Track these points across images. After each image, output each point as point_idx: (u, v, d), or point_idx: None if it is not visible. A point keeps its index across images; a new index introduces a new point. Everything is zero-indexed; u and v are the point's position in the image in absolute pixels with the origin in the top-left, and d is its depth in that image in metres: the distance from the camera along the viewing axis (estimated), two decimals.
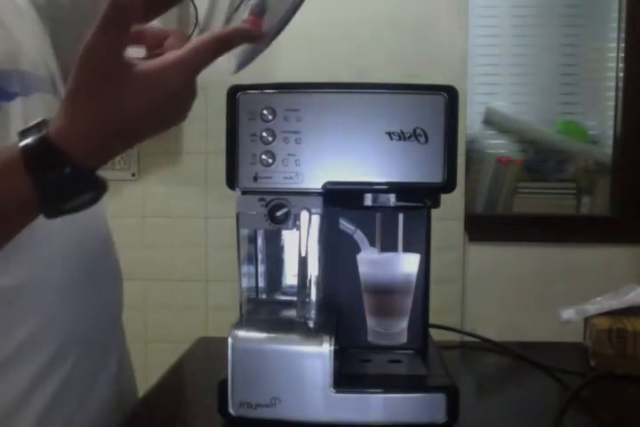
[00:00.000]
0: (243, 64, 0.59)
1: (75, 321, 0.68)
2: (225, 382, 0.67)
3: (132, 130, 0.51)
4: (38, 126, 0.50)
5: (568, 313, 0.95)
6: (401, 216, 0.76)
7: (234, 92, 0.70)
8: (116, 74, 0.48)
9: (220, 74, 0.58)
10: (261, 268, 0.76)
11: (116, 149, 0.53)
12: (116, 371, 0.77)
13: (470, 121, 1.99)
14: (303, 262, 0.68)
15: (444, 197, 0.72)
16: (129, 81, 0.49)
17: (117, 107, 0.49)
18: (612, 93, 2.02)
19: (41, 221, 0.52)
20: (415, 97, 0.69)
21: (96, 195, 0.52)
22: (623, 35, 1.98)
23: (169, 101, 0.51)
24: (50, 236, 0.65)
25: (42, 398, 0.64)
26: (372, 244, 0.77)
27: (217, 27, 0.59)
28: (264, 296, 0.77)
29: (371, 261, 0.76)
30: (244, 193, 0.70)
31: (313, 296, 0.69)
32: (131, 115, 0.49)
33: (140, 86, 0.49)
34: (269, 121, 0.68)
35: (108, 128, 0.49)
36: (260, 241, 0.76)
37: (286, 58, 1.85)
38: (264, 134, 0.68)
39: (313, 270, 0.68)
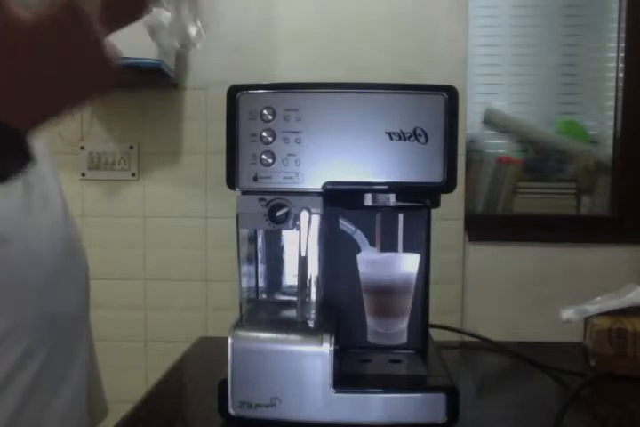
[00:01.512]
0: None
1: (44, 320, 0.68)
2: (225, 382, 0.67)
3: (40, 76, 0.49)
4: None
5: (568, 313, 0.95)
6: (401, 216, 0.76)
7: (234, 92, 0.70)
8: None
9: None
10: (261, 268, 0.76)
11: (40, 105, 0.51)
12: (85, 371, 0.77)
13: (470, 121, 1.99)
14: (303, 262, 0.68)
15: (443, 197, 0.72)
16: (10, 27, 0.47)
17: (13, 57, 0.48)
18: (612, 93, 2.03)
19: (14, 223, 0.52)
20: (415, 97, 0.69)
21: (22, 162, 0.51)
22: (623, 35, 1.98)
23: (56, 38, 0.49)
24: (21, 237, 0.65)
25: (11, 398, 0.64)
26: (372, 244, 0.77)
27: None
28: (264, 296, 0.77)
29: (371, 261, 0.77)
30: (244, 193, 0.70)
31: (313, 296, 0.69)
32: (25, 59, 0.48)
33: (23, 28, 0.48)
34: (269, 121, 0.68)
35: (15, 78, 0.48)
36: (260, 241, 0.76)
37: (286, 58, 1.85)
38: (264, 134, 0.68)
39: (313, 270, 0.68)
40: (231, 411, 0.67)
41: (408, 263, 0.76)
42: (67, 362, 0.73)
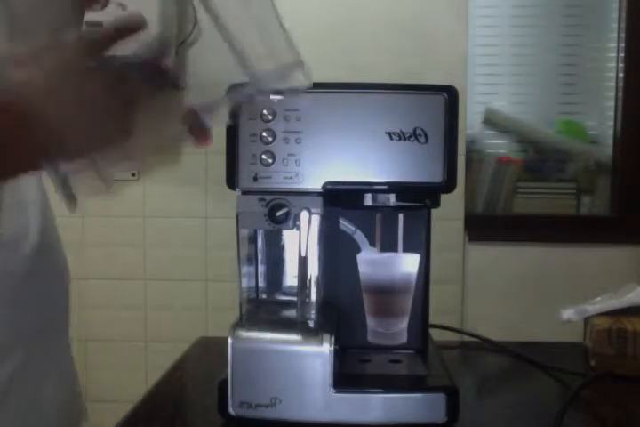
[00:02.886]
0: None
1: (21, 320, 0.67)
2: (225, 382, 0.67)
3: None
4: None
5: (568, 313, 0.95)
6: (401, 216, 0.76)
7: None
8: None
9: None
10: (261, 268, 0.76)
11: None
12: (70, 372, 0.76)
13: (470, 121, 1.99)
14: (303, 262, 0.68)
15: (443, 197, 0.72)
16: None
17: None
18: (612, 93, 2.03)
19: None
20: (415, 97, 0.69)
21: None
22: (623, 35, 1.98)
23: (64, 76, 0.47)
24: None
25: None
26: (372, 244, 0.77)
27: None
28: (264, 296, 0.77)
29: (371, 261, 0.76)
30: (244, 193, 0.70)
31: (313, 296, 0.69)
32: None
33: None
34: (269, 121, 0.68)
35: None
36: (260, 241, 0.76)
37: None
38: (264, 134, 0.68)
39: (313, 270, 0.68)
40: (231, 411, 0.67)
41: (408, 263, 0.76)
42: (48, 362, 0.72)
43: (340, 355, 0.69)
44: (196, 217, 1.91)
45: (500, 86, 2.06)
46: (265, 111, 0.68)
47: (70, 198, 0.52)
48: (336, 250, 0.77)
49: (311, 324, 0.69)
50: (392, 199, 0.71)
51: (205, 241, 1.91)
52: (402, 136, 0.68)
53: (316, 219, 0.68)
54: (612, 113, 2.03)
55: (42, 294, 0.72)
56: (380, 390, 0.67)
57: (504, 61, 2.05)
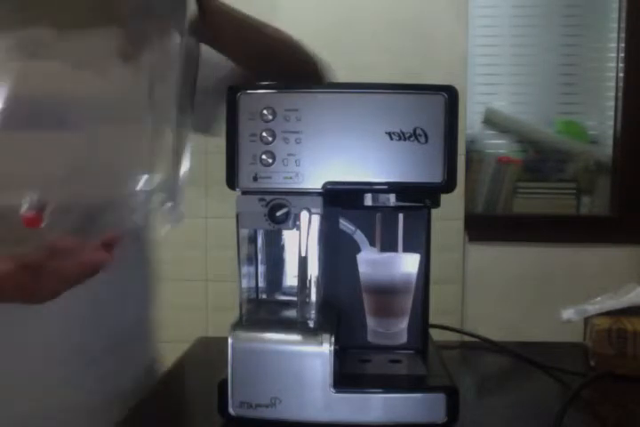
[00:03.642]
0: None
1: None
2: (225, 382, 0.67)
3: None
4: None
5: (568, 313, 0.95)
6: (401, 216, 0.76)
7: (234, 92, 0.69)
8: None
9: None
10: (261, 268, 0.76)
11: None
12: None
13: (470, 121, 1.99)
14: (303, 262, 0.68)
15: (443, 197, 0.72)
16: None
17: None
18: (612, 93, 2.03)
19: None
20: (415, 97, 0.69)
21: None
22: (623, 35, 1.98)
23: None
24: None
25: None
26: (372, 244, 0.77)
27: None
28: (264, 296, 0.77)
29: (371, 261, 0.76)
30: (244, 193, 0.70)
31: (313, 296, 0.69)
32: None
33: None
34: (269, 121, 0.68)
35: None
36: (260, 241, 0.76)
37: None
38: (264, 134, 0.68)
39: (313, 270, 0.68)
40: (231, 411, 0.67)
41: (408, 263, 0.76)
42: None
43: (340, 355, 0.69)
44: (196, 217, 1.91)
45: (500, 86, 2.07)
46: (265, 111, 0.68)
47: None
48: (336, 250, 0.77)
49: (311, 324, 0.69)
50: (392, 199, 0.71)
51: (205, 241, 1.92)
52: (402, 136, 0.68)
53: (316, 219, 0.68)
54: (612, 113, 2.03)
55: None
56: (380, 390, 0.67)
57: (504, 61, 2.05)
